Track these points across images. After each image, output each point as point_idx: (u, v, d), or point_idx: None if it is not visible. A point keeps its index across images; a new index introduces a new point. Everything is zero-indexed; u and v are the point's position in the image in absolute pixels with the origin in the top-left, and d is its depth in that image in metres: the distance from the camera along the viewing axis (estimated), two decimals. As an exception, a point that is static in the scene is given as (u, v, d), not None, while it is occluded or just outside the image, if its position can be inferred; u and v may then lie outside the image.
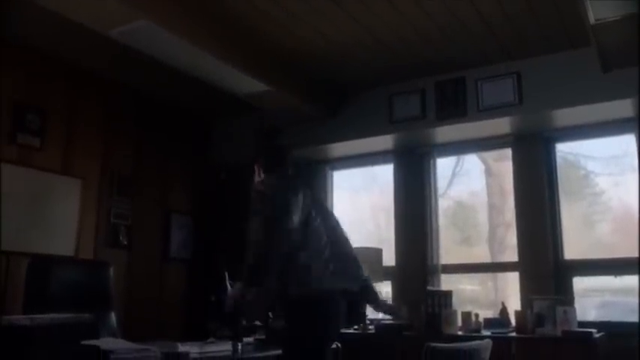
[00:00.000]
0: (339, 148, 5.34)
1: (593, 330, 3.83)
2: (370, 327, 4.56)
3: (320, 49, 4.37)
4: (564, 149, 4.78)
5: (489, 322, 4.31)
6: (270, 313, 3.70)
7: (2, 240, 3.87)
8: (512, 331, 4.11)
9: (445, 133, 4.86)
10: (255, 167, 3.09)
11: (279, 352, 3.25)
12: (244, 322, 3.32)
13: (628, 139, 4.44)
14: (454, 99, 4.68)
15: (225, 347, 3.05)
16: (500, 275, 5.04)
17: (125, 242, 4.88)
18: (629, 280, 4.16)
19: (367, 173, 5.75)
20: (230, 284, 3.84)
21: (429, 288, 4.67)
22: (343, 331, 3.55)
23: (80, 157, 4.63)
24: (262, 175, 3.07)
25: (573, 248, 4.55)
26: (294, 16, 3.90)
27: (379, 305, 3.56)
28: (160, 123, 5.40)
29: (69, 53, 4.47)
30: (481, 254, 5.17)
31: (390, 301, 4.81)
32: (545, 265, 4.47)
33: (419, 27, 4.05)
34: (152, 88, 5.15)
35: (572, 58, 4.28)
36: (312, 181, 5.47)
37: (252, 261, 2.77)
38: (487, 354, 3.06)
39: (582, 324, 4.00)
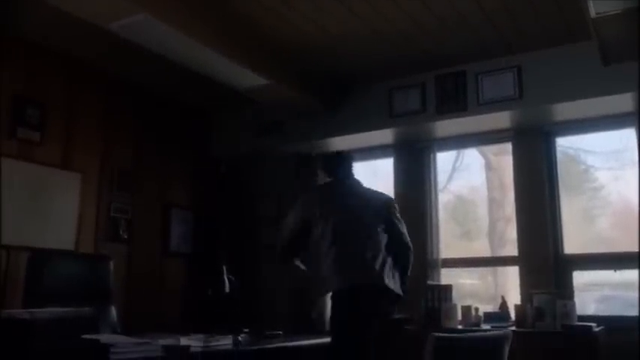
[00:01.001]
0: (339, 142, 5.32)
1: (593, 324, 3.84)
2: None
3: (320, 43, 4.36)
4: (564, 143, 4.78)
5: (489, 316, 4.32)
6: None
7: (2, 234, 3.87)
8: (512, 325, 4.11)
9: (445, 127, 4.85)
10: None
11: (279, 344, 3.26)
12: None
13: (628, 134, 4.43)
14: (454, 93, 4.67)
15: (226, 341, 3.05)
16: (500, 269, 5.05)
17: (125, 236, 4.89)
18: (629, 275, 4.17)
19: (367, 167, 5.75)
20: (228, 279, 3.84)
21: (429, 282, 4.66)
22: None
23: (80, 151, 4.62)
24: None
25: (573, 242, 4.56)
26: (294, 9, 3.88)
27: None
28: (159, 117, 5.39)
29: (69, 47, 4.46)
30: (481, 248, 5.18)
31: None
32: (545, 259, 4.47)
33: (419, 20, 4.03)
34: (152, 83, 5.14)
35: (572, 51, 4.27)
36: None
37: None
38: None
39: (582, 318, 4.01)
